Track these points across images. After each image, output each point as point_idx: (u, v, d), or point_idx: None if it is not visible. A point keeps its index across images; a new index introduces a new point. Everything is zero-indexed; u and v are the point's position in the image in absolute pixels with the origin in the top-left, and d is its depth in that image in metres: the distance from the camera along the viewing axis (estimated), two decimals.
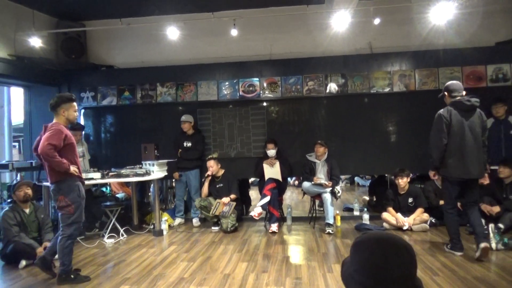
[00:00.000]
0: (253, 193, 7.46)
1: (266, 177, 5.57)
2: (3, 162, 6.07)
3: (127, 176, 5.14)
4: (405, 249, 1.01)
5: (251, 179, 8.25)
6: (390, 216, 5.17)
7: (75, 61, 6.30)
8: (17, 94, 7.05)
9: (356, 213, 6.05)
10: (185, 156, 5.85)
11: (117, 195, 6.45)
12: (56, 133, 3.45)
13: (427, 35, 5.81)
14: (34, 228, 4.40)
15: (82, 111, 6.50)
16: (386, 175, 6.58)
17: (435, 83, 5.75)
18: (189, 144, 5.89)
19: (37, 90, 6.47)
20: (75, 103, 3.66)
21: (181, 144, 5.92)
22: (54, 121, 3.58)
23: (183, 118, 5.89)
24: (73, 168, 3.53)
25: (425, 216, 5.05)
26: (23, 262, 4.06)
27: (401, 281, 0.97)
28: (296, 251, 4.40)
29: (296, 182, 10.05)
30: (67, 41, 6.21)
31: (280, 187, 5.62)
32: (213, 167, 5.65)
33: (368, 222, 5.39)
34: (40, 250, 4.13)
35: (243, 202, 6.22)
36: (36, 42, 5.56)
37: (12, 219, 4.23)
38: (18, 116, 7.46)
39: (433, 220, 5.17)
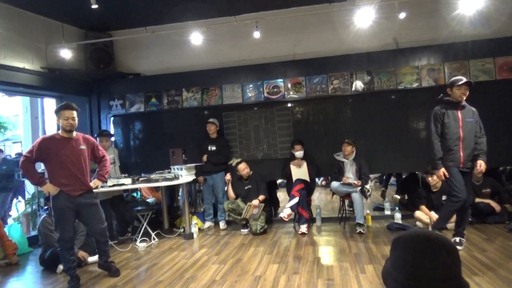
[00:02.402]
0: (281, 195, 7.44)
1: (294, 178, 5.54)
2: (39, 170, 6.31)
3: (156, 181, 5.23)
4: (445, 248, 0.97)
5: (279, 181, 8.22)
6: (423, 214, 5.02)
7: (103, 70, 6.48)
8: (50, 105, 7.31)
9: (387, 212, 5.91)
10: (210, 160, 5.89)
11: (147, 200, 6.57)
12: (33, 145, 3.65)
13: (456, 27, 5.61)
14: None
15: (112, 118, 6.69)
16: (417, 172, 6.41)
17: (466, 76, 5.52)
18: (214, 148, 5.93)
19: (69, 100, 6.59)
20: (65, 111, 3.65)
21: (206, 148, 5.96)
22: None
23: (210, 119, 5.95)
24: (45, 187, 3.61)
25: None
26: (60, 267, 4.18)
27: (437, 281, 0.94)
28: (327, 252, 4.34)
29: (324, 183, 9.94)
30: (95, 51, 6.40)
31: (308, 188, 5.57)
32: (245, 169, 5.67)
33: (400, 221, 5.26)
34: (80, 254, 4.28)
35: (272, 204, 6.20)
36: (66, 54, 5.76)
37: (51, 224, 4.39)
38: (52, 127, 7.73)
39: (469, 218, 4.98)
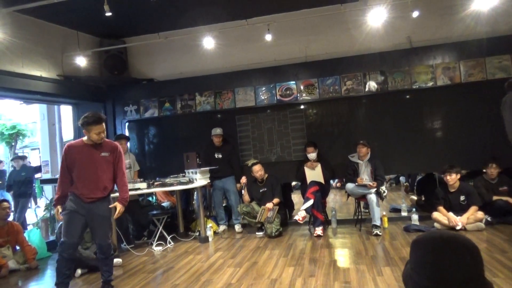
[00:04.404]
0: (296, 197, 7.40)
1: (308, 180, 5.51)
2: (57, 176, 6.42)
3: (171, 185, 5.27)
4: (467, 249, 0.95)
5: (293, 183, 8.19)
6: (441, 215, 4.93)
7: (118, 77, 6.58)
8: (66, 112, 7.44)
9: (404, 213, 5.82)
10: (218, 167, 5.86)
11: (162, 204, 6.62)
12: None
13: (470, 24, 5.50)
14: (88, 238, 4.60)
15: (127, 124, 6.78)
16: (434, 173, 6.31)
17: (482, 73, 5.45)
18: (220, 156, 5.94)
19: (84, 106, 6.79)
20: (96, 126, 3.42)
21: (212, 156, 5.96)
22: None
23: (218, 131, 5.90)
24: (56, 209, 3.56)
25: (480, 214, 4.78)
26: (79, 271, 4.25)
27: (460, 282, 0.92)
28: (343, 255, 4.31)
29: (339, 184, 9.85)
30: (109, 58, 6.51)
31: (323, 190, 5.53)
32: (260, 171, 5.65)
33: (417, 223, 5.17)
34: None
35: (286, 207, 6.18)
36: (81, 61, 5.87)
37: None
38: (68, 133, 7.87)
39: (488, 219, 4.88)
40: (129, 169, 5.71)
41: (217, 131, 5.92)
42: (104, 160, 3.57)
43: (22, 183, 7.53)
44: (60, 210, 3.53)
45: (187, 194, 6.57)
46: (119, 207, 3.67)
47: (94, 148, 3.54)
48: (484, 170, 5.27)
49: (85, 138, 3.58)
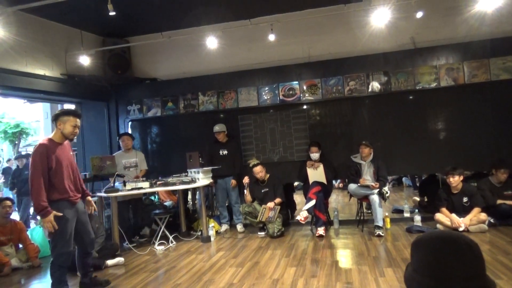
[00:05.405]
0: (298, 198, 7.40)
1: (310, 181, 5.50)
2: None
3: (173, 184, 5.28)
4: (468, 247, 0.95)
5: (295, 183, 8.18)
6: (444, 217, 4.92)
7: (121, 76, 6.60)
8: None
9: (407, 214, 5.81)
10: (222, 164, 5.84)
11: (165, 203, 6.63)
12: (37, 156, 3.21)
13: (474, 24, 5.48)
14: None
15: (130, 123, 6.79)
16: (437, 174, 6.29)
17: (486, 74, 5.42)
18: (225, 152, 5.92)
19: (88, 105, 6.84)
20: (74, 118, 3.37)
21: (217, 153, 5.95)
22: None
23: (217, 128, 5.90)
24: (48, 218, 3.18)
25: (483, 216, 4.76)
26: None
27: (463, 281, 0.92)
28: (345, 255, 4.30)
29: (341, 185, 9.85)
30: (113, 57, 6.53)
31: (325, 190, 5.52)
32: (261, 172, 5.65)
33: (420, 224, 5.16)
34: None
35: (288, 207, 6.17)
36: (85, 60, 5.88)
37: None
38: None
39: (491, 220, 4.86)
40: (134, 168, 5.72)
41: (216, 128, 5.93)
42: (73, 158, 3.63)
43: (25, 181, 7.54)
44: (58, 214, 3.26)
45: (186, 194, 6.57)
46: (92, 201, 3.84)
47: (66, 147, 3.47)
48: (492, 172, 5.23)
49: (52, 135, 3.41)
